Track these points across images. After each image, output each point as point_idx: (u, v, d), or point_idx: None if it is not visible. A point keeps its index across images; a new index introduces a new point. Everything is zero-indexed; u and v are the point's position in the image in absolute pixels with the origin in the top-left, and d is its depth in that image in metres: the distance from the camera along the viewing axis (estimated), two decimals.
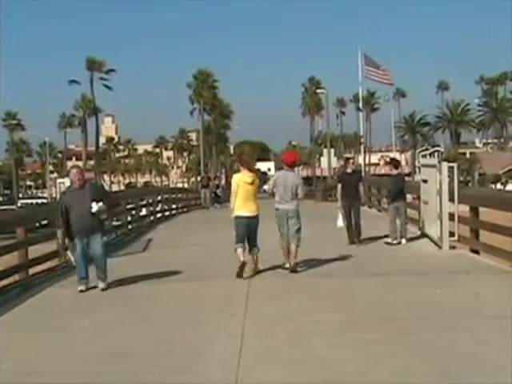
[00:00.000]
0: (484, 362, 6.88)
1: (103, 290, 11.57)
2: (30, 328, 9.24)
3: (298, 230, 12.74)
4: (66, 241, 11.88)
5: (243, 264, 12.26)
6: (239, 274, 12.18)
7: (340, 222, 16.35)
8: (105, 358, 7.57)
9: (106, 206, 11.56)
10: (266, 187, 13.61)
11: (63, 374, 7.07)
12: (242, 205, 12.48)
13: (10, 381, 6.93)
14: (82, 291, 11.47)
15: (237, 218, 12.54)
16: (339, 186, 16.82)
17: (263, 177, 76.39)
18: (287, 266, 12.85)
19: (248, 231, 12.48)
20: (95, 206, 11.24)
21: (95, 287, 11.67)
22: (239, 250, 12.40)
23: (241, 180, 12.53)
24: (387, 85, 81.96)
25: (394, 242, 16.14)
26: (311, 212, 30.53)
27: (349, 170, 17.07)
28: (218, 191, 42.52)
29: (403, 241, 16.26)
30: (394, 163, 17.39)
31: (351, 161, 19.43)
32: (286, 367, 6.97)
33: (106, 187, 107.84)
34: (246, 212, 12.46)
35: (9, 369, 7.30)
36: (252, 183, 12.51)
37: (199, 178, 51.02)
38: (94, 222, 11.38)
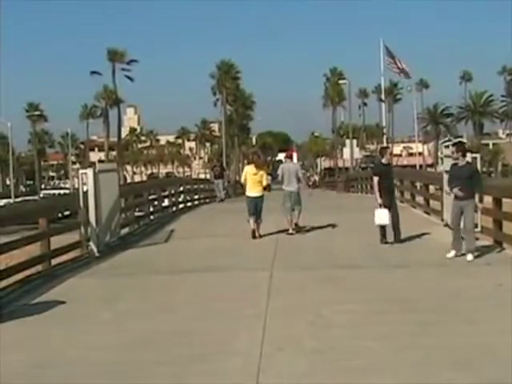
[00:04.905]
0: (506, 354, 6.81)
1: None
2: (51, 318, 9.29)
3: (299, 202, 17.04)
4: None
5: (254, 230, 16.61)
6: (253, 236, 16.50)
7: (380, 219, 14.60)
8: (126, 348, 7.61)
9: None
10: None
11: (83, 364, 7.09)
12: (250, 188, 17.03)
13: (26, 370, 6.97)
14: None
15: (247, 197, 17.12)
16: (375, 179, 14.93)
17: None
18: (291, 231, 16.97)
19: (255, 207, 16.75)
20: None
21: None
22: (251, 221, 16.74)
23: (248, 171, 17.16)
24: (406, 77, 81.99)
25: (452, 254, 12.72)
26: (334, 204, 30.57)
27: (384, 161, 15.17)
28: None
29: (469, 256, 12.46)
30: (461, 148, 12.88)
31: (388, 151, 16.35)
32: (307, 358, 6.96)
33: (128, 178, 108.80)
34: (253, 193, 16.94)
35: (23, 359, 7.31)
36: (255, 174, 16.92)
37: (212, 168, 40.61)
38: None
